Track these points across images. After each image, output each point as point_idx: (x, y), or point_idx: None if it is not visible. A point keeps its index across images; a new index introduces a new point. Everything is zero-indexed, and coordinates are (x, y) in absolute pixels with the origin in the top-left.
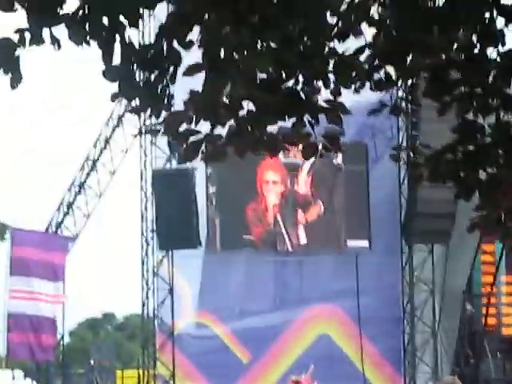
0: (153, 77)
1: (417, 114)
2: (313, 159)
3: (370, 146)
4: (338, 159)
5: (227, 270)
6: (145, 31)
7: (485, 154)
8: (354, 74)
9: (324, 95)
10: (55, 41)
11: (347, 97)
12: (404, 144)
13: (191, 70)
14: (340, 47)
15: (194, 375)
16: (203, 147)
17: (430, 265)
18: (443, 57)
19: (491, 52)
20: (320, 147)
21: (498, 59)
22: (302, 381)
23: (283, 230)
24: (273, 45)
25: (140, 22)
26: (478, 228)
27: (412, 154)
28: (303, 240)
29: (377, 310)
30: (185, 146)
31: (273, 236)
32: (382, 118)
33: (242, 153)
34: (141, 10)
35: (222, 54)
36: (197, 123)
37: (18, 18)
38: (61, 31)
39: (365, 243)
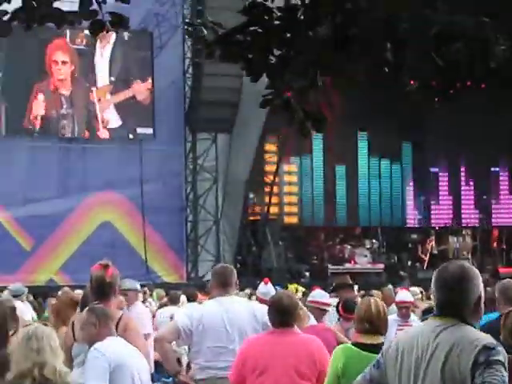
0: None
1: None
2: (111, 46)
3: (155, 34)
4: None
5: (10, 157)
6: None
7: (273, 36)
8: None
9: None
10: None
11: None
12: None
13: None
14: None
15: None
16: None
17: (214, 153)
18: None
19: None
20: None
21: None
22: (110, 265)
23: (70, 115)
24: None
25: None
26: (270, 104)
27: (204, 31)
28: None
29: (161, 198)
30: None
31: (57, 121)
32: (168, 6)
33: (29, 26)
34: None
35: None
36: None
37: None
38: None
39: (149, 131)
